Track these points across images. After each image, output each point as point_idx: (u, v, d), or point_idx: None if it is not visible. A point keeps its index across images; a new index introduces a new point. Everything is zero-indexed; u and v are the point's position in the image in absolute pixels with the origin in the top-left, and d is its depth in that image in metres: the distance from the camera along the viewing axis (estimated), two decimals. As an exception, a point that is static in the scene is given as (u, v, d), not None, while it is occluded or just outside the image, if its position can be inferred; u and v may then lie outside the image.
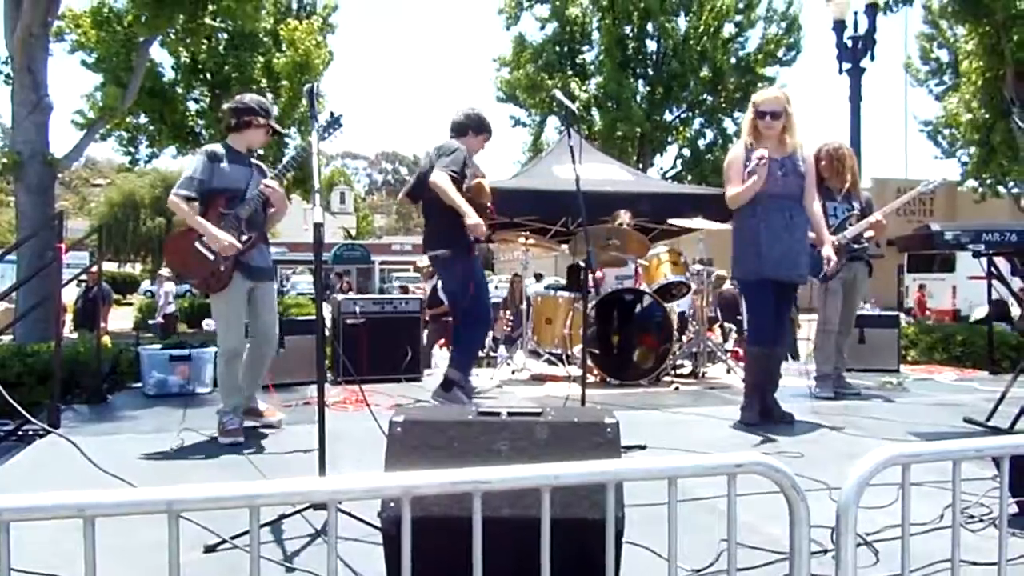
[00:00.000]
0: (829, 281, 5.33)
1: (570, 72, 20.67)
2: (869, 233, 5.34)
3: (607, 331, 5.93)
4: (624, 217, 6.87)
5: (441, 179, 4.66)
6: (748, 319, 4.79)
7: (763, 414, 4.48)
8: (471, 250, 4.84)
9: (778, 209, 4.39)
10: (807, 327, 6.12)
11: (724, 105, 20.76)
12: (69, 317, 11.26)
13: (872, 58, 9.60)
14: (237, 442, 3.93)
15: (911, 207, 23.20)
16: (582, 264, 4.77)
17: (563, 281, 8.27)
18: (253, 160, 4.19)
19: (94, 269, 9.63)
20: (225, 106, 4.39)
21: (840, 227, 5.30)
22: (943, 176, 5.83)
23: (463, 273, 4.86)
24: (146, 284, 41.36)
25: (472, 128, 5.05)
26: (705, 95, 20.44)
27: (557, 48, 20.86)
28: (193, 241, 3.96)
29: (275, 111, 4.77)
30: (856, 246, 5.35)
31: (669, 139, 21.01)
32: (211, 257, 3.94)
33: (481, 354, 7.75)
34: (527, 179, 8.40)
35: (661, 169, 21.26)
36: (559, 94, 4.89)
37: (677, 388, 5.88)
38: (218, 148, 4.08)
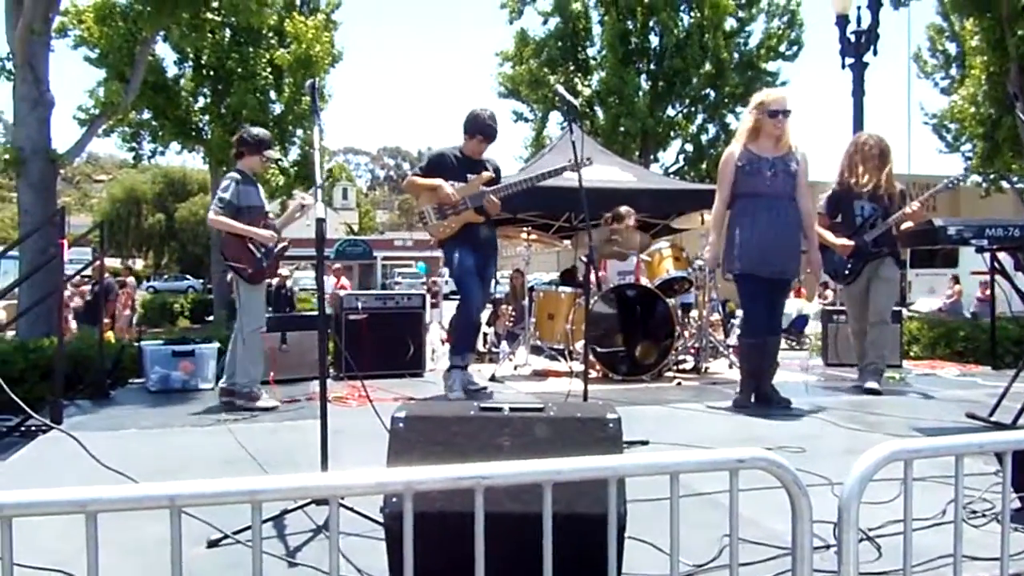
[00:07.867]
0: (850, 285, 5.35)
1: (572, 67, 20.62)
2: (907, 224, 5.07)
3: (609, 326, 5.93)
4: (630, 220, 6.67)
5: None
6: (742, 312, 4.98)
7: (760, 400, 4.67)
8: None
9: (765, 208, 4.56)
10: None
11: (727, 100, 20.67)
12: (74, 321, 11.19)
13: (875, 52, 9.57)
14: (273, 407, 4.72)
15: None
16: (581, 261, 4.77)
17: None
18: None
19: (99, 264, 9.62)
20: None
21: (862, 227, 5.25)
22: (964, 172, 5.79)
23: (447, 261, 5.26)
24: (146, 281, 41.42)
25: (465, 131, 5.17)
26: (707, 90, 20.37)
27: (560, 43, 20.79)
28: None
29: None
30: (875, 249, 5.21)
31: (672, 135, 20.93)
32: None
33: (483, 349, 7.76)
34: (529, 176, 8.36)
35: (664, 165, 21.19)
36: (561, 89, 4.90)
37: (679, 383, 5.88)
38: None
